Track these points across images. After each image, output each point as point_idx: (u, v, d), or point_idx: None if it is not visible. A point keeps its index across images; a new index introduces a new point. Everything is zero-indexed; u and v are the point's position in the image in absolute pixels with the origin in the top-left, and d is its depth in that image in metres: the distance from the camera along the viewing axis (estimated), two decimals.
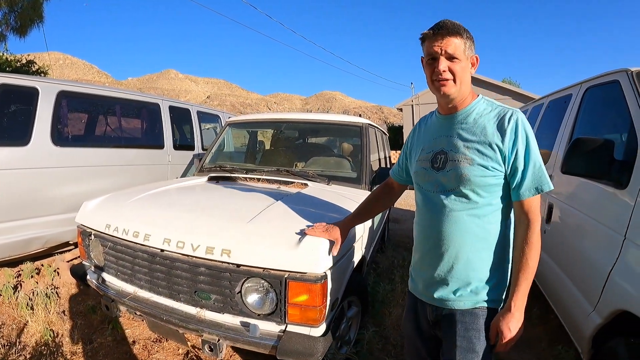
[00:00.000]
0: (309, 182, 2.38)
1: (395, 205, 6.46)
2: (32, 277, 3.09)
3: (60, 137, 3.21)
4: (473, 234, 1.09)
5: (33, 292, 2.74)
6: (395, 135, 22.37)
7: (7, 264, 3.11)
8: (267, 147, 3.95)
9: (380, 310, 2.66)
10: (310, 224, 1.60)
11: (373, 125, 3.22)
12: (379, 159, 3.54)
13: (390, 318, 2.57)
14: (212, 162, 3.01)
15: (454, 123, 1.15)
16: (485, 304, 1.11)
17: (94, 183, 3.38)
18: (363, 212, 1.57)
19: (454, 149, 1.11)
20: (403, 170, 1.42)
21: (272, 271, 1.46)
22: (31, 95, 3.04)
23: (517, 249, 1.08)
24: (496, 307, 1.13)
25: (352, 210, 1.63)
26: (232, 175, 2.60)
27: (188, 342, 1.95)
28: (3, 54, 10.02)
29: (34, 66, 11.03)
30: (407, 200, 7.29)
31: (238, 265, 1.49)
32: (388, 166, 4.02)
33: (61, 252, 3.49)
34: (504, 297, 1.14)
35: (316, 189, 2.28)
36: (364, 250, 2.08)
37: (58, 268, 3.18)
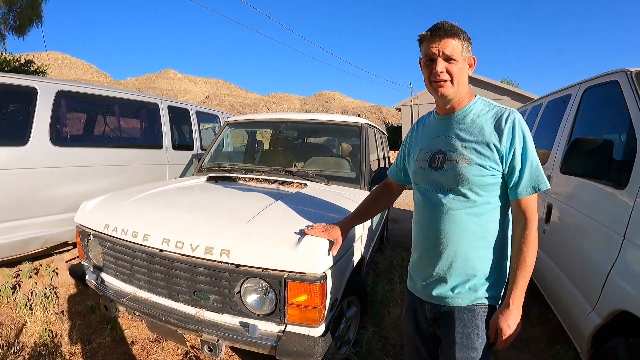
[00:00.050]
0: (308, 182, 2.38)
1: (394, 205, 6.46)
2: (30, 277, 3.08)
3: (59, 137, 3.20)
4: (471, 232, 1.09)
5: (32, 292, 2.73)
6: (394, 135, 22.42)
7: (6, 264, 3.10)
8: (266, 147, 3.94)
9: (380, 310, 2.66)
10: (310, 224, 1.60)
11: (372, 125, 3.22)
12: (378, 159, 3.55)
13: (389, 318, 2.57)
14: (211, 162, 3.01)
15: (452, 123, 1.15)
16: (484, 301, 1.12)
17: (92, 183, 3.37)
18: (362, 213, 1.57)
19: (452, 148, 1.12)
20: (401, 170, 1.42)
21: (271, 271, 1.45)
22: (30, 95, 3.03)
23: (515, 247, 1.09)
24: (494, 304, 1.13)
25: (351, 210, 1.63)
26: (231, 175, 2.59)
27: (187, 343, 1.94)
28: (2, 53, 10.00)
29: (32, 66, 11.02)
30: (406, 200, 7.30)
31: (237, 266, 1.49)
32: (387, 166, 4.02)
33: (60, 252, 3.48)
34: (502, 294, 1.15)
35: (315, 189, 2.28)
36: (363, 250, 2.08)
37: (57, 268, 3.18)
